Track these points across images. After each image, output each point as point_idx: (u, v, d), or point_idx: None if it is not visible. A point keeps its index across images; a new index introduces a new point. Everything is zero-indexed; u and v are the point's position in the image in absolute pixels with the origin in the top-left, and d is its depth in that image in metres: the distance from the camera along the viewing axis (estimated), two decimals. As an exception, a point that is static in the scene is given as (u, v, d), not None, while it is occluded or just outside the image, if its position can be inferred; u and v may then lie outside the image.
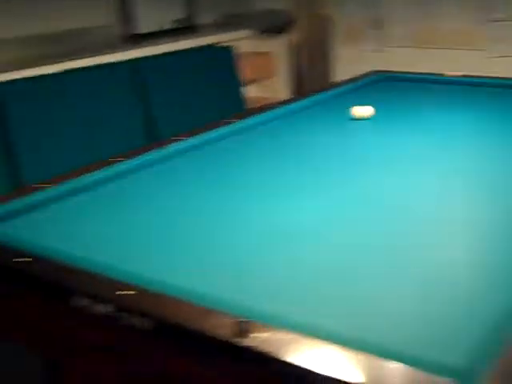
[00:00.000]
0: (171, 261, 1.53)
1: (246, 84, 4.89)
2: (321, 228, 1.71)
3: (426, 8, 5.08)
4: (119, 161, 2.22)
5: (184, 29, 4.96)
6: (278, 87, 5.56)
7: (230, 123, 2.70)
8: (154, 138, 4.00)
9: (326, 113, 3.00)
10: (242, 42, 5.02)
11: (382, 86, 3.54)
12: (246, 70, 4.85)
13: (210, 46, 4.63)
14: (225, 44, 4.73)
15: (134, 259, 1.54)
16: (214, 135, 2.57)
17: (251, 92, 5.04)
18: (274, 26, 5.27)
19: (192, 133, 2.56)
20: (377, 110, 2.88)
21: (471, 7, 4.92)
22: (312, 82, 5.70)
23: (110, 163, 2.20)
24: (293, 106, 3.06)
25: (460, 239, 1.66)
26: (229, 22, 5.26)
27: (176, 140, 2.47)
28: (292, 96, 3.21)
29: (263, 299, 1.32)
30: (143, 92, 4.01)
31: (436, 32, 5.08)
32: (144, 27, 4.72)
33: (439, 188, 2.01)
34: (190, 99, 4.27)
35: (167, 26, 4.88)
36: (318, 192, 1.98)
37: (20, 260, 1.51)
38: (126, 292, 1.34)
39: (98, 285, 1.39)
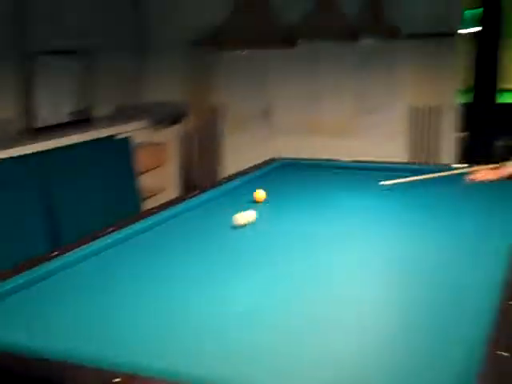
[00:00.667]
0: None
1: (140, 174, 5.05)
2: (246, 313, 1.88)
3: (308, 100, 5.51)
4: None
5: (81, 121, 5.07)
6: (171, 176, 5.75)
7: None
8: (55, 232, 4.02)
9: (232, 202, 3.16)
10: (137, 132, 5.19)
11: (282, 171, 3.81)
12: (140, 160, 5.01)
13: (108, 138, 4.76)
14: (121, 135, 4.88)
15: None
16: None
17: (145, 181, 5.18)
18: (167, 117, 5.50)
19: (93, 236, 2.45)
20: (278, 195, 3.12)
21: (349, 101, 5.40)
22: (203, 170, 5.94)
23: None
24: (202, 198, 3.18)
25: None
26: (124, 114, 5.44)
27: (81, 244, 2.36)
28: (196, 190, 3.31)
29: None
30: (44, 185, 4.04)
31: (321, 121, 5.50)
32: (43, 121, 4.78)
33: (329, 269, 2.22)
34: (90, 190, 4.35)
35: (65, 119, 4.97)
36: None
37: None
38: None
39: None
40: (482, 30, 5.27)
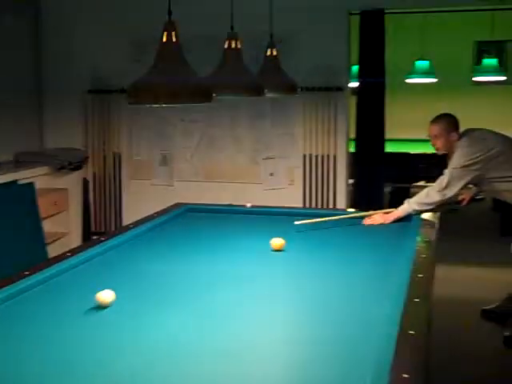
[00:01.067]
0: None
1: (42, 219, 5.05)
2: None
3: (209, 148, 5.72)
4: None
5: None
6: (73, 221, 5.77)
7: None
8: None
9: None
10: (38, 178, 5.21)
11: (187, 217, 3.97)
12: (42, 206, 5.03)
13: (11, 183, 4.77)
14: (25, 181, 4.90)
15: None
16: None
17: (48, 227, 5.19)
18: (69, 163, 5.54)
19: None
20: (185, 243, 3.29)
21: (249, 148, 5.65)
22: (103, 215, 6.00)
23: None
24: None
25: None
26: (24, 160, 5.44)
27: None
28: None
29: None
30: None
31: (220, 168, 5.71)
32: None
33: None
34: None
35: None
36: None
37: None
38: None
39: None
40: (364, 83, 5.65)
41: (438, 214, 3.81)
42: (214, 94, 2.12)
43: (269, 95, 3.03)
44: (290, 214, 3.99)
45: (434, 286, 2.66)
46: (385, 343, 1.89)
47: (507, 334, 4.17)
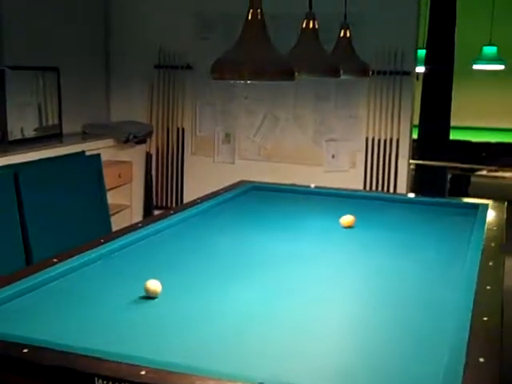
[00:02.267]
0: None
1: (107, 190, 5.16)
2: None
3: (272, 128, 5.74)
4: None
5: (50, 136, 5.17)
6: (135, 194, 5.88)
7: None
8: (26, 246, 4.10)
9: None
10: (105, 150, 5.32)
11: (253, 194, 4.01)
12: (107, 177, 5.13)
13: (78, 154, 4.88)
14: (91, 152, 5.00)
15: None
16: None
17: (110, 198, 5.29)
18: (134, 136, 5.64)
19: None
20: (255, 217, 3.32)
21: (312, 130, 5.65)
22: (165, 190, 6.09)
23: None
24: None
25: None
26: (91, 132, 5.56)
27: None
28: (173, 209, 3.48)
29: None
30: (15, 198, 4.12)
31: (282, 148, 5.73)
32: (11, 135, 4.87)
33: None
34: (61, 205, 4.44)
35: (31, 134, 5.06)
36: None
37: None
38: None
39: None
40: (431, 69, 5.59)
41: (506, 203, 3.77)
42: (297, 74, 2.14)
43: (342, 77, 3.03)
44: (353, 196, 4.02)
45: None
46: (459, 329, 1.90)
47: None
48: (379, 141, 5.50)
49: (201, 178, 5.85)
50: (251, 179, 4.42)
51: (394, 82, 5.42)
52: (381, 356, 1.80)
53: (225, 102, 5.82)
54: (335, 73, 2.79)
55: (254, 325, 1.99)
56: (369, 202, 3.89)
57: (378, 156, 5.51)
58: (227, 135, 5.87)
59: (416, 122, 5.73)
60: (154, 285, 2.15)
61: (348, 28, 3.51)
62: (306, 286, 2.38)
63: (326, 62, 2.81)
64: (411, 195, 4.58)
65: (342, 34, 3.50)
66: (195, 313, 2.06)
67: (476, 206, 3.70)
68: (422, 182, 5.69)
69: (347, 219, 3.18)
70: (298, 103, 5.67)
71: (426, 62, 5.61)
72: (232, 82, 2.41)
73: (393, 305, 2.22)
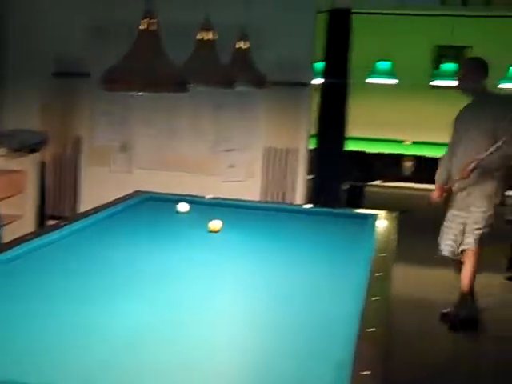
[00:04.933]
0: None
1: (-3, 201, 4.98)
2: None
3: (170, 137, 5.69)
4: None
5: None
6: (28, 204, 5.69)
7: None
8: None
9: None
10: (-6, 159, 5.13)
11: (146, 206, 3.96)
12: (-3, 188, 4.95)
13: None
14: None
15: None
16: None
17: (4, 209, 5.10)
18: (26, 144, 5.46)
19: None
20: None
21: (209, 140, 5.64)
22: (59, 199, 5.93)
23: None
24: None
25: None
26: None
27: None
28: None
29: None
30: None
31: (179, 158, 5.69)
32: None
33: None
34: None
35: None
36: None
37: None
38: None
39: None
40: (327, 81, 5.70)
41: (395, 213, 3.89)
42: (190, 85, 2.13)
43: (238, 88, 3.05)
44: (246, 207, 4.05)
45: (392, 285, 2.72)
46: (345, 342, 1.93)
47: (445, 311, 4.35)
48: (276, 151, 5.57)
49: (97, 187, 5.72)
50: (149, 189, 4.36)
51: (291, 93, 5.50)
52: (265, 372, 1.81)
53: (122, 110, 5.73)
54: (230, 84, 2.80)
55: (144, 339, 1.96)
56: (262, 212, 3.94)
57: (275, 166, 5.57)
58: (124, 144, 5.78)
59: (313, 132, 5.84)
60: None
61: (246, 39, 3.53)
62: (198, 296, 2.38)
63: (220, 73, 2.81)
64: (306, 206, 4.64)
65: (238, 46, 3.52)
66: (77, 326, 2.01)
67: (367, 216, 3.79)
68: (319, 192, 5.79)
69: (215, 224, 3.25)
70: (196, 113, 5.66)
71: (323, 74, 5.72)
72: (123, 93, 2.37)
73: (278, 319, 2.22)
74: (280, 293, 2.50)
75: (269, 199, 5.59)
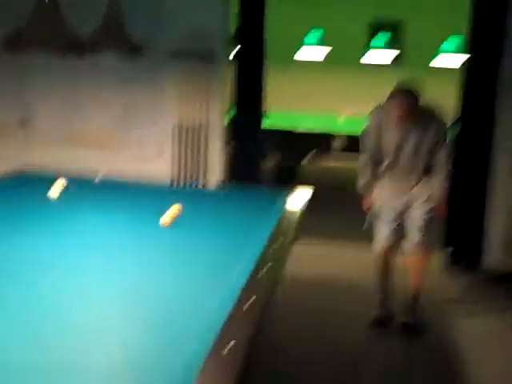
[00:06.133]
0: None
1: None
2: None
3: (74, 110, 5.22)
4: None
5: None
6: None
7: None
8: None
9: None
10: None
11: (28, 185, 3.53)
12: None
13: None
14: None
15: None
16: None
17: None
18: None
19: None
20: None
21: (113, 115, 5.19)
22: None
23: None
24: None
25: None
26: None
27: None
28: None
29: None
30: None
31: (83, 133, 5.23)
32: None
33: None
34: None
35: None
36: None
37: None
38: None
39: None
40: (243, 51, 5.28)
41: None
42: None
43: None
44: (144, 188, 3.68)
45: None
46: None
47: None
48: (188, 128, 5.15)
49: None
50: (49, 165, 4.05)
51: (203, 68, 5.07)
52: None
53: (21, 83, 5.22)
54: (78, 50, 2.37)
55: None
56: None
57: (188, 143, 5.16)
58: (23, 118, 5.28)
59: (230, 107, 5.44)
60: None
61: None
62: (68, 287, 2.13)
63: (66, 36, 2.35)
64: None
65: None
66: None
67: (277, 193, 3.55)
68: (237, 170, 5.40)
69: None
70: (102, 87, 5.20)
71: (239, 44, 5.29)
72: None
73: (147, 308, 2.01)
74: (148, 280, 2.25)
75: (181, 178, 5.18)
